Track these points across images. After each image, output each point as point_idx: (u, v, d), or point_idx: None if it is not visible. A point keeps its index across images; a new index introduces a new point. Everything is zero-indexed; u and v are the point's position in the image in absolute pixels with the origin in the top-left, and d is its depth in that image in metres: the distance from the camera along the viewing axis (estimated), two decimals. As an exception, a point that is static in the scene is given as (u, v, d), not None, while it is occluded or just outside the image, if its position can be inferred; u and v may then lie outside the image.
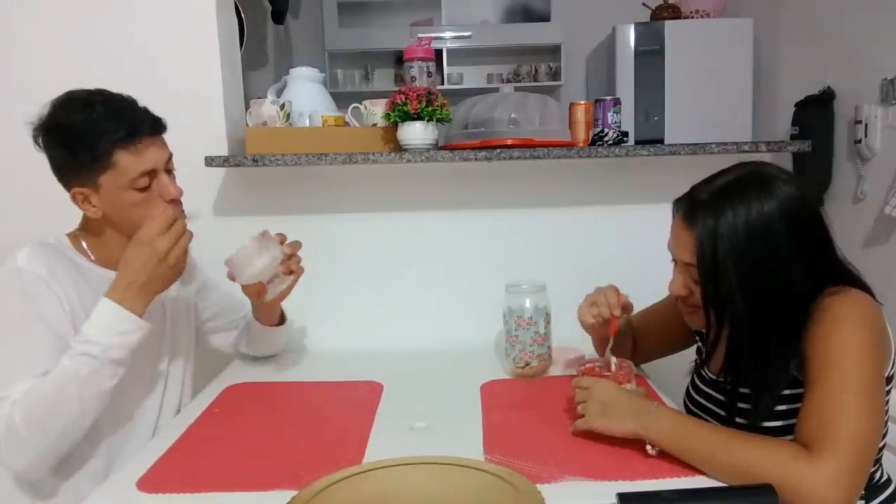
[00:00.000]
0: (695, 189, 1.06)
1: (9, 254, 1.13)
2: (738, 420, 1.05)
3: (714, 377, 1.13)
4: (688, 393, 1.21)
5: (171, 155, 1.22)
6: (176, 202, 1.21)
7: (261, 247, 1.20)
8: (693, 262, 1.02)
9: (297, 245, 1.28)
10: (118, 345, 1.07)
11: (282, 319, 1.47)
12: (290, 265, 1.26)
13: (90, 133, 1.10)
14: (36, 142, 1.14)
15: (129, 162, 1.12)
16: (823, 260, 1.00)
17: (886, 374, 0.95)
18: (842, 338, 0.92)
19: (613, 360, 1.13)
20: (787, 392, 0.99)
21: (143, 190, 1.15)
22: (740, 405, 1.06)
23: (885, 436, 0.99)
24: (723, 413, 1.09)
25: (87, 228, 1.22)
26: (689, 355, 1.31)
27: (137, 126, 1.13)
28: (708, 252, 0.99)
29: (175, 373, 1.32)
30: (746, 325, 0.99)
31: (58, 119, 1.12)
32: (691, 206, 1.03)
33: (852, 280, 1.01)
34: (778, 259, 0.97)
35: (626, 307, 1.22)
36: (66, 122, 1.12)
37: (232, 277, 1.24)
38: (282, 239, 1.27)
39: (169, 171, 1.21)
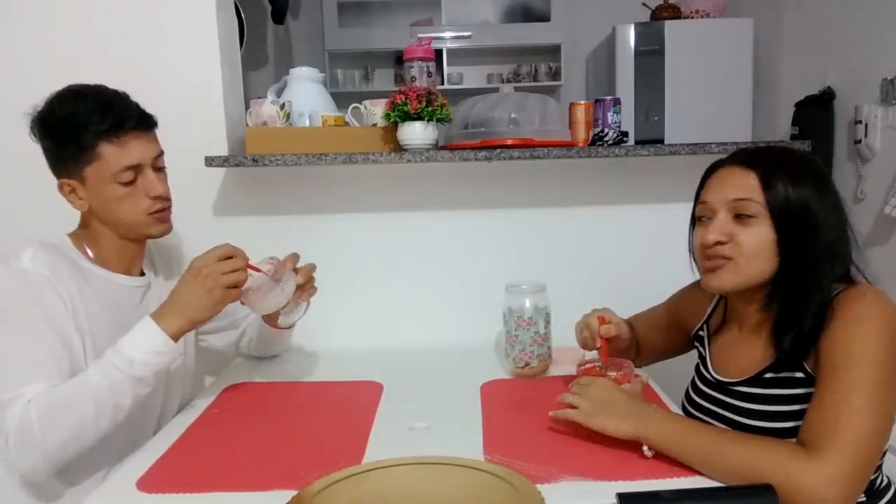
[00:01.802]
0: (737, 150, 1.10)
1: (12, 254, 1.13)
2: (743, 421, 1.05)
3: (717, 378, 1.13)
4: (687, 395, 1.21)
5: (160, 152, 1.22)
6: (162, 199, 1.21)
7: (274, 282, 1.19)
8: (750, 196, 1.01)
9: (311, 269, 1.27)
10: (144, 363, 1.06)
11: None
12: (304, 293, 1.26)
13: (77, 124, 1.12)
14: (32, 132, 1.15)
15: (113, 154, 1.13)
16: (846, 245, 1.02)
17: None
18: (858, 337, 0.91)
19: (613, 374, 1.14)
20: (799, 391, 0.99)
21: (127, 184, 1.15)
22: (743, 405, 1.06)
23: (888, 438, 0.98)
24: (725, 414, 1.09)
25: (84, 227, 1.22)
26: (690, 358, 1.31)
27: (124, 119, 1.14)
28: (781, 185, 0.99)
29: (177, 374, 1.32)
30: (805, 255, 0.99)
31: (50, 110, 1.14)
32: (744, 152, 1.07)
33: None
34: (827, 212, 1.00)
35: (618, 334, 1.24)
36: (57, 113, 1.14)
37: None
38: (295, 260, 1.25)
39: (158, 168, 1.21)
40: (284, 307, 1.26)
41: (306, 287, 1.27)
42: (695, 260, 1.14)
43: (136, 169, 1.16)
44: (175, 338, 1.09)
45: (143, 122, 1.18)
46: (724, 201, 1.04)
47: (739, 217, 1.02)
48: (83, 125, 1.11)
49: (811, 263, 0.99)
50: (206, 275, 1.10)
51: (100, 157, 1.13)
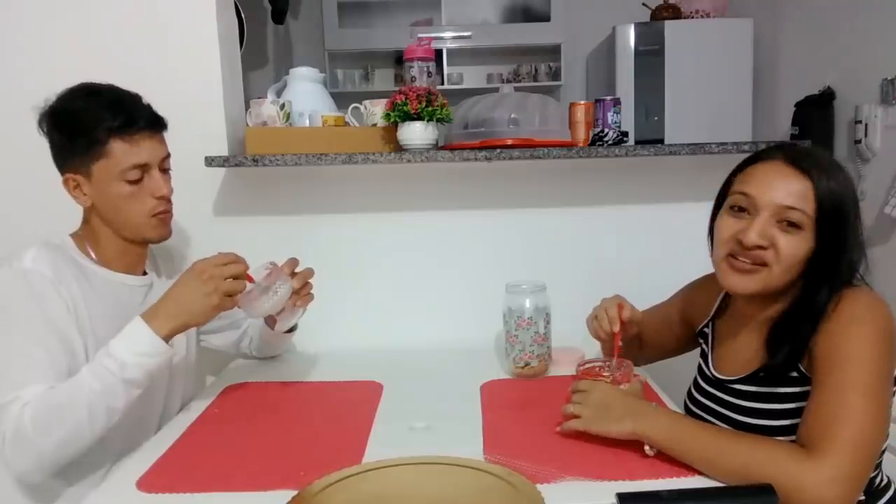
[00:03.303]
0: (782, 144, 1.06)
1: (14, 254, 1.13)
2: (741, 419, 1.05)
3: (719, 377, 1.13)
4: (689, 394, 1.21)
5: (168, 155, 1.23)
6: (166, 200, 1.21)
7: (268, 286, 1.19)
8: (801, 206, 0.96)
9: (307, 275, 1.27)
10: (136, 365, 1.05)
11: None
12: (299, 300, 1.26)
13: (89, 119, 1.13)
14: (40, 125, 1.16)
15: (123, 152, 1.14)
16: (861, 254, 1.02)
17: (895, 375, 0.94)
18: (854, 338, 0.92)
19: (611, 375, 1.14)
20: (795, 389, 0.99)
21: (133, 183, 1.16)
22: (740, 402, 1.06)
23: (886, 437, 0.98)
24: (724, 412, 1.09)
25: (86, 227, 1.23)
26: (690, 358, 1.31)
27: (135, 118, 1.15)
28: (829, 199, 0.96)
29: (178, 373, 1.32)
30: (827, 279, 0.98)
31: (62, 104, 1.15)
32: (794, 152, 1.01)
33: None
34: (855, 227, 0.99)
35: (633, 319, 1.22)
36: (68, 107, 1.15)
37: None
38: (293, 265, 1.25)
39: (164, 170, 1.22)
40: (281, 312, 1.26)
41: (302, 293, 1.26)
42: (711, 245, 1.10)
43: (144, 168, 1.17)
44: (167, 339, 1.08)
45: (154, 123, 1.19)
46: (772, 203, 0.98)
47: (782, 223, 0.98)
48: (95, 121, 1.12)
49: (832, 276, 0.98)
50: (207, 278, 1.10)
51: (109, 154, 1.14)
